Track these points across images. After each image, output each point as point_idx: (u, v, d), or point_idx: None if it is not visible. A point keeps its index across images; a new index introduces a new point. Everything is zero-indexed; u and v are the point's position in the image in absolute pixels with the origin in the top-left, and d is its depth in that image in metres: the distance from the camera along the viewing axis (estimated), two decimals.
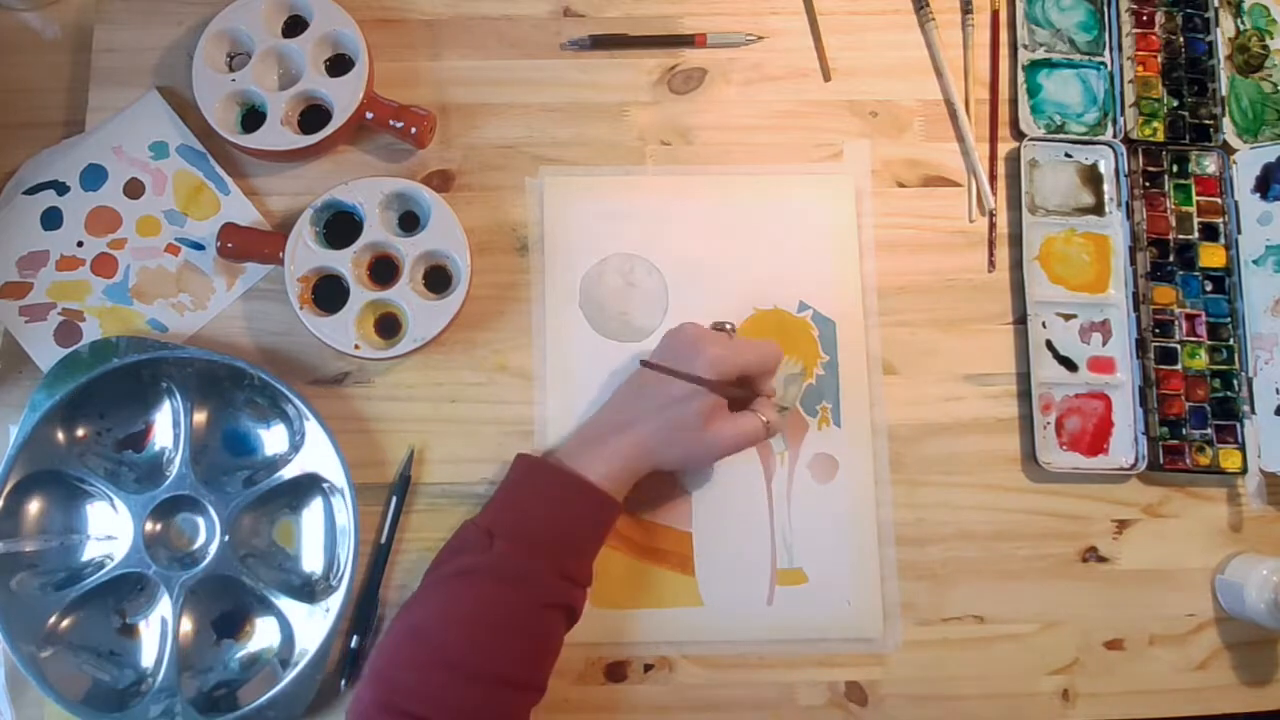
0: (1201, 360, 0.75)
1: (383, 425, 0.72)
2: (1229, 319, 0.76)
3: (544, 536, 0.63)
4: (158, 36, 0.76)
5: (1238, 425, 0.75)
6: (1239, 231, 0.77)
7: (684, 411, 0.64)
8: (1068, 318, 0.76)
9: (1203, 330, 0.76)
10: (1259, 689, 0.73)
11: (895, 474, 0.73)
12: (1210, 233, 0.77)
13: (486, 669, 0.59)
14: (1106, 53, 0.80)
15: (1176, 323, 0.76)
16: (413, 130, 0.73)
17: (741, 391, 0.67)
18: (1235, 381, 0.75)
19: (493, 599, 0.61)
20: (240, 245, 0.71)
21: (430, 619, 0.61)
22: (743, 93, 0.78)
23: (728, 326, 0.70)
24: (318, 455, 0.69)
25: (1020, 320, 0.76)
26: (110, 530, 0.69)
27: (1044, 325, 0.76)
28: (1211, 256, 0.77)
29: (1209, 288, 0.77)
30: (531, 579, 0.62)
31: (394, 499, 0.71)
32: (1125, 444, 0.75)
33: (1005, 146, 0.78)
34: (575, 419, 0.72)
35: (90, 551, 0.69)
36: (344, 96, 0.72)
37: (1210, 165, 0.78)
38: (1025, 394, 0.75)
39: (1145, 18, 0.79)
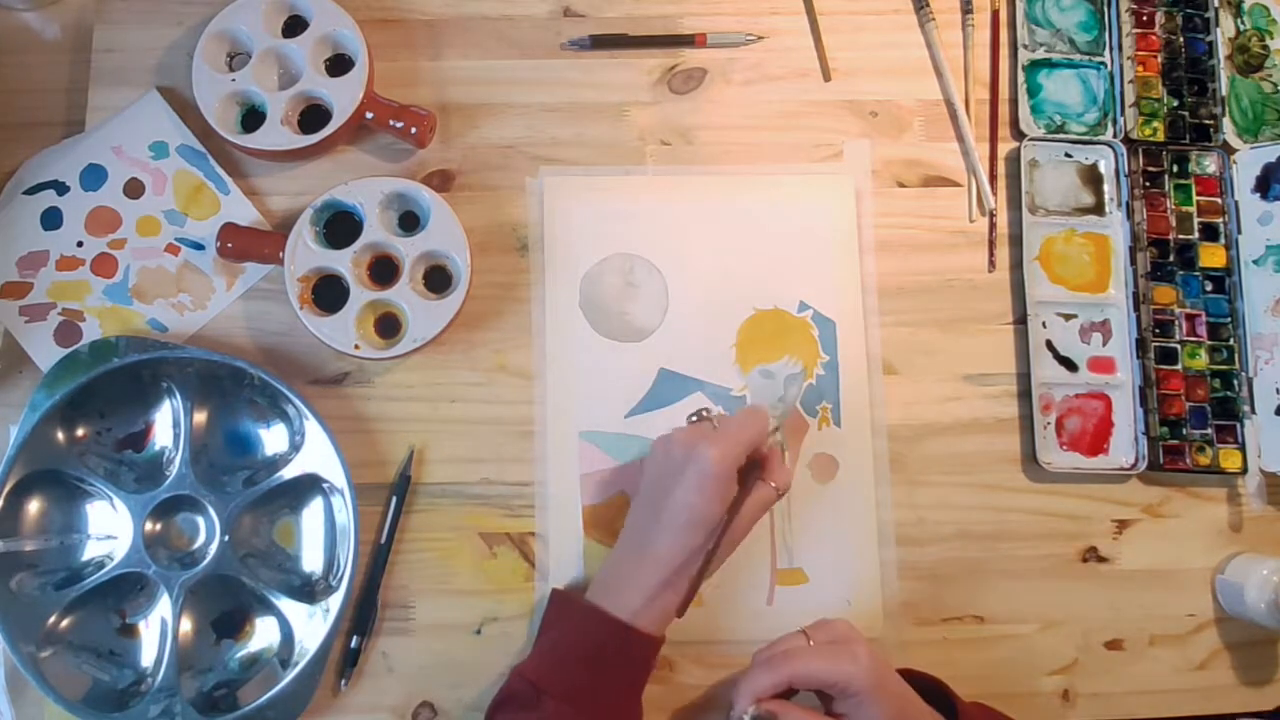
0: (1202, 360, 0.75)
1: (383, 425, 0.72)
2: (1229, 319, 0.76)
3: (593, 691, 0.62)
4: (158, 36, 0.76)
5: (1238, 425, 0.75)
6: (1239, 231, 0.77)
7: (707, 528, 0.62)
8: (1068, 318, 0.76)
9: (1203, 330, 0.76)
10: (1259, 689, 0.73)
11: (895, 474, 0.73)
12: (1210, 233, 0.77)
13: None
14: (1107, 53, 0.80)
15: (1177, 323, 0.76)
16: (413, 130, 0.73)
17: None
18: (1235, 381, 0.75)
19: None
20: (240, 245, 0.71)
21: None
22: (743, 93, 0.78)
23: (705, 414, 0.68)
24: (318, 455, 0.69)
25: (1020, 320, 0.76)
26: (110, 530, 0.69)
27: (1044, 325, 0.76)
28: (1212, 256, 0.77)
29: (1209, 288, 0.77)
30: None
31: (394, 499, 0.71)
32: (1125, 444, 0.75)
33: (1005, 146, 0.79)
34: (575, 419, 0.72)
35: (90, 551, 0.69)
36: (344, 96, 0.72)
37: (1210, 165, 0.78)
38: (1025, 394, 0.75)
39: (1145, 18, 0.79)
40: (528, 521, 0.72)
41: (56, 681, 0.65)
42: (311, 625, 0.67)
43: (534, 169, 0.76)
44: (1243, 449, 0.74)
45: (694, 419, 0.68)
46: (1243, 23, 0.81)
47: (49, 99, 0.76)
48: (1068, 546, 0.74)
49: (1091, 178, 0.78)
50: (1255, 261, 0.76)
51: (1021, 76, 0.79)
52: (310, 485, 0.70)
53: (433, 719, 0.69)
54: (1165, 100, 0.79)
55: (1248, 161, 0.77)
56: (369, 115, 0.73)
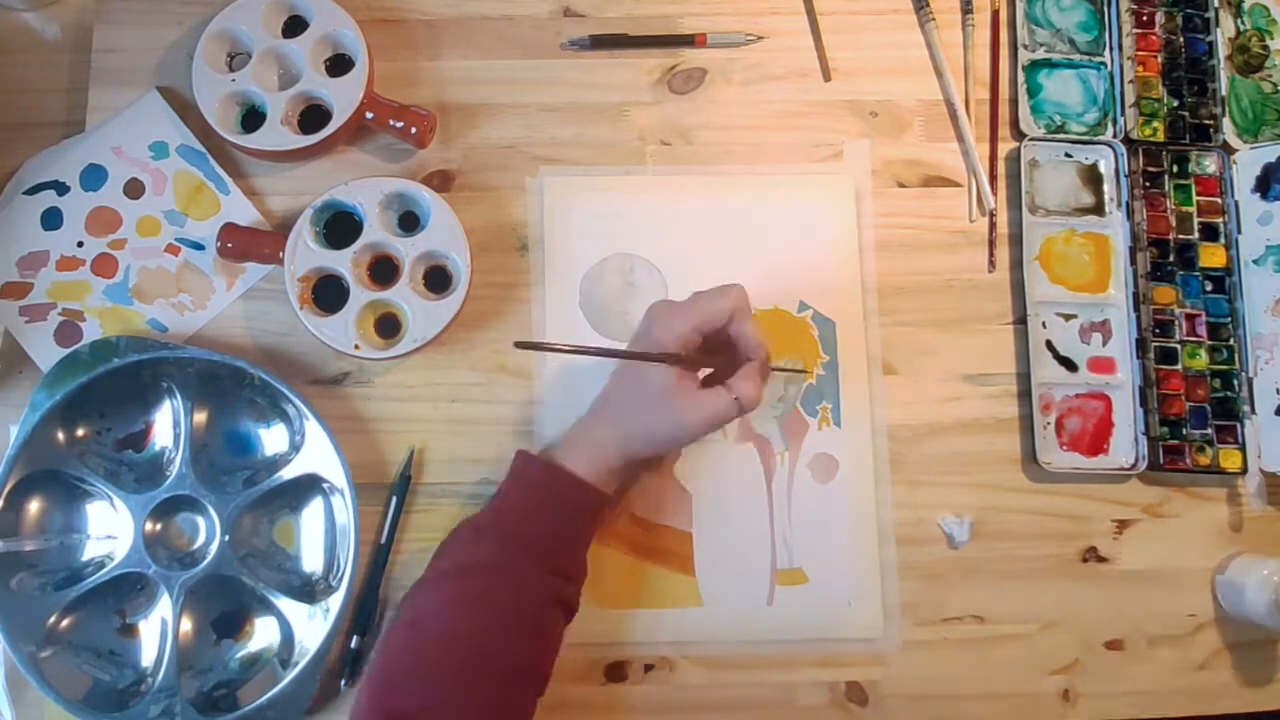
0: (1202, 360, 0.75)
1: (383, 425, 0.72)
2: (1229, 319, 0.76)
3: (532, 534, 0.64)
4: (158, 36, 0.76)
5: (1238, 425, 0.75)
6: (1239, 231, 0.77)
7: (645, 391, 0.64)
8: (1068, 318, 0.76)
9: (1203, 330, 0.76)
10: (1259, 689, 0.73)
11: (895, 474, 0.73)
12: (1210, 233, 0.77)
13: (486, 665, 0.59)
14: (1107, 53, 0.80)
15: (1176, 323, 0.76)
16: (413, 130, 0.73)
17: (717, 360, 0.66)
18: (1235, 381, 0.75)
19: (488, 596, 0.61)
20: (240, 245, 0.71)
21: (428, 616, 0.62)
22: (743, 93, 0.78)
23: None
24: (318, 455, 0.69)
25: (1020, 320, 0.76)
26: (110, 530, 0.69)
27: (1044, 325, 0.76)
28: (1212, 256, 0.77)
29: (1209, 288, 0.77)
30: (522, 576, 0.62)
31: (394, 499, 0.71)
32: (1125, 444, 0.75)
33: (1005, 146, 0.78)
34: (575, 419, 0.72)
35: (90, 551, 0.69)
36: (344, 96, 0.72)
37: (1210, 165, 0.78)
38: (1025, 394, 0.75)
39: (1145, 18, 0.79)
40: None
41: (57, 681, 0.65)
42: (311, 625, 0.67)
43: (534, 169, 0.76)
44: (1243, 449, 0.74)
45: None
46: (1243, 23, 0.81)
47: (49, 99, 0.76)
48: (1068, 546, 0.74)
49: (1091, 178, 0.78)
50: (1255, 261, 0.76)
51: (1021, 76, 0.79)
52: (310, 485, 0.70)
53: None
54: (1165, 100, 0.78)
55: (1248, 161, 0.77)
56: (369, 115, 0.73)
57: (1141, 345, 0.75)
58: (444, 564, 0.64)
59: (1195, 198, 0.77)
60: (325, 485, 0.70)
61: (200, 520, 0.70)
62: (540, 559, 0.63)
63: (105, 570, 0.67)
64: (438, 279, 0.73)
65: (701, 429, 0.64)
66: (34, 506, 0.69)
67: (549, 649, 0.63)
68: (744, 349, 0.65)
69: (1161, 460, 0.74)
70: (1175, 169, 0.78)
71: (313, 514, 0.71)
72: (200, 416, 0.70)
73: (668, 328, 0.63)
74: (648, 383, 0.64)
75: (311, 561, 0.71)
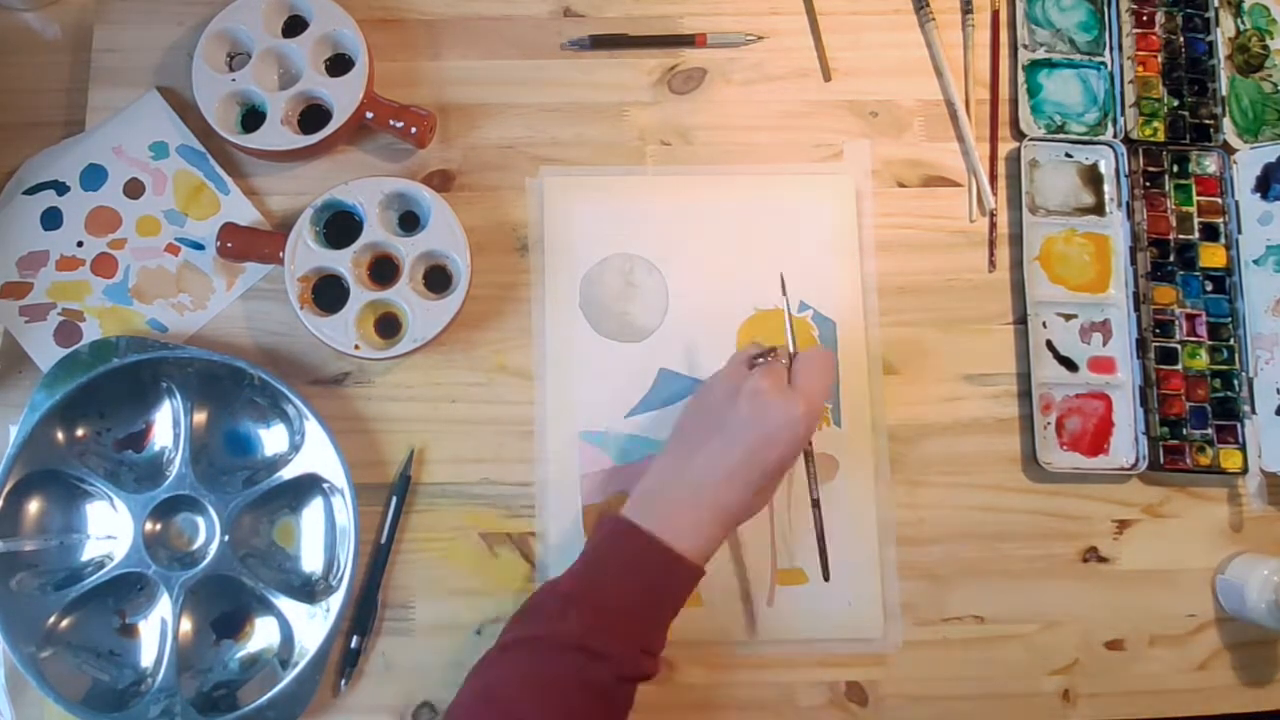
0: (1202, 360, 0.75)
1: (383, 425, 0.72)
2: (1229, 319, 0.76)
3: (627, 612, 0.60)
4: (157, 36, 0.76)
5: (1238, 425, 0.75)
6: (1239, 231, 0.77)
7: (766, 471, 0.62)
8: (1068, 318, 0.76)
9: (1203, 330, 0.76)
10: (1260, 689, 0.73)
11: (896, 474, 0.73)
12: (1211, 233, 0.77)
13: None
14: (1107, 53, 0.80)
15: (1177, 323, 0.76)
16: (413, 130, 0.73)
17: None
18: (1236, 381, 0.75)
19: (568, 670, 0.58)
20: (240, 245, 0.71)
21: (503, 684, 0.59)
22: (743, 93, 0.78)
23: (773, 354, 0.66)
24: (318, 455, 0.69)
25: (1020, 320, 0.76)
26: (110, 530, 0.69)
27: (1044, 325, 0.76)
28: (1212, 256, 0.77)
29: (1209, 288, 0.77)
30: (609, 654, 0.58)
31: (394, 499, 0.71)
32: (1126, 444, 0.75)
33: (1006, 146, 0.78)
34: (575, 419, 0.72)
35: (90, 551, 0.69)
36: (344, 96, 0.72)
37: (1210, 165, 0.78)
38: (1025, 394, 0.75)
39: (1145, 18, 0.79)
40: (528, 521, 0.72)
41: (56, 681, 0.65)
42: (311, 625, 0.67)
43: (534, 169, 0.76)
44: (1243, 449, 0.74)
45: (761, 361, 0.66)
46: (1243, 23, 0.81)
47: (49, 99, 0.76)
48: (1068, 546, 0.74)
49: (1092, 178, 0.78)
50: (1255, 261, 0.76)
51: (1022, 76, 0.79)
52: (310, 485, 0.70)
53: (433, 719, 0.69)
54: (1165, 100, 0.78)
55: (1248, 161, 0.77)
56: (369, 115, 0.73)
57: (1142, 345, 0.75)
58: (525, 631, 0.60)
59: (1195, 198, 0.77)
60: (325, 485, 0.70)
61: (200, 520, 0.70)
62: (632, 640, 0.60)
63: (105, 570, 0.67)
64: (438, 279, 0.73)
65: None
66: (34, 506, 0.69)
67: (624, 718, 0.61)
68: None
69: (1162, 460, 0.74)
70: (1175, 169, 0.78)
71: (313, 514, 0.71)
72: (200, 416, 0.70)
73: (810, 417, 0.62)
74: (781, 471, 0.64)
75: (311, 561, 0.70)
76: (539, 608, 0.61)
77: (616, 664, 0.58)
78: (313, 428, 0.68)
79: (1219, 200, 0.77)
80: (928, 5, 0.79)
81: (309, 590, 0.69)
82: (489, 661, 0.60)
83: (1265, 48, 0.80)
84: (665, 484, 0.64)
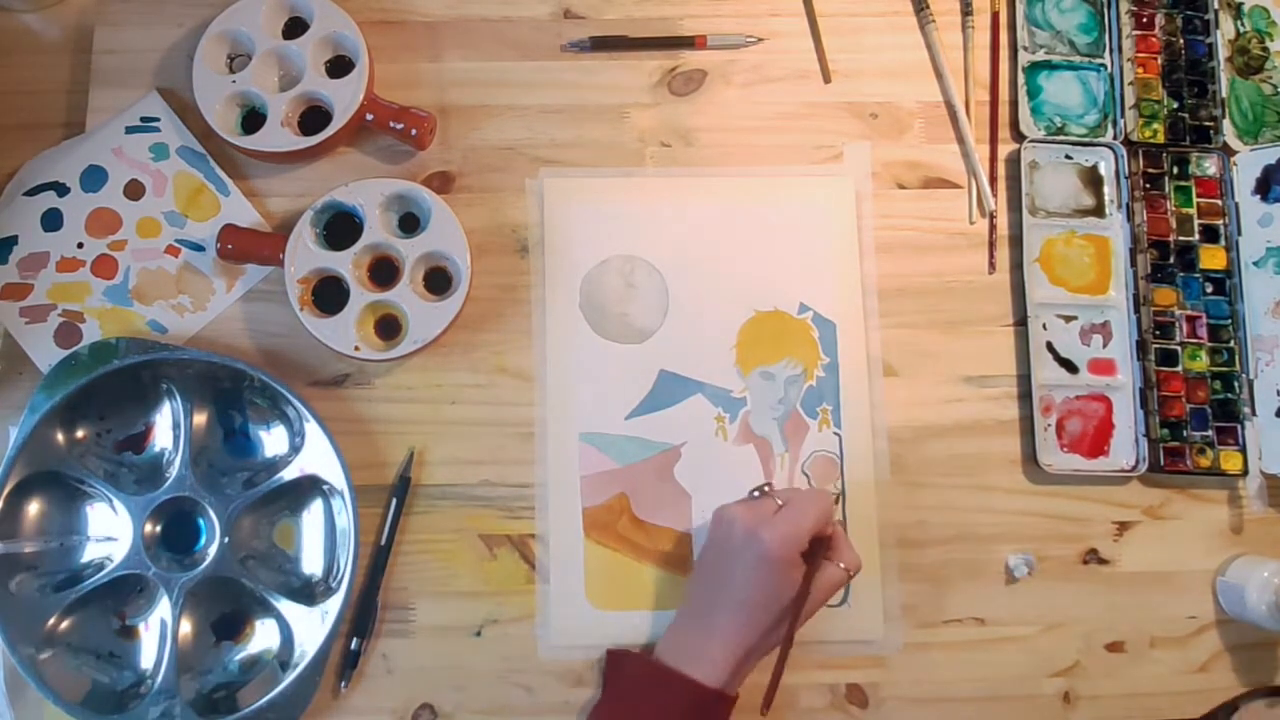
0: (1202, 362, 0.75)
1: (383, 427, 0.72)
2: (1229, 321, 0.76)
3: None
4: (158, 38, 0.76)
5: (1238, 427, 0.75)
6: (1239, 233, 0.77)
7: (764, 603, 0.63)
8: (1068, 319, 0.76)
9: (1203, 332, 0.76)
10: None
11: (896, 476, 0.73)
12: (1211, 234, 0.77)
13: None
14: (1107, 54, 0.80)
15: (1177, 324, 0.76)
16: (413, 132, 0.73)
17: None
18: (1236, 383, 0.75)
19: None
20: (240, 247, 0.71)
21: None
22: (743, 94, 0.78)
23: (768, 489, 0.68)
24: (318, 457, 0.69)
25: (1021, 322, 0.76)
26: (110, 532, 0.69)
27: (1044, 327, 0.76)
28: (1212, 258, 0.77)
29: (1209, 289, 0.77)
30: None
31: (394, 501, 0.71)
32: (1126, 446, 0.75)
33: (1005, 148, 0.78)
34: (575, 421, 0.72)
35: (90, 553, 0.69)
36: (344, 98, 0.72)
37: (1210, 167, 0.78)
38: (1026, 396, 0.75)
39: (1145, 20, 0.80)
40: (528, 523, 0.72)
41: (56, 683, 0.64)
42: (311, 627, 0.67)
43: (534, 170, 0.76)
44: (1243, 451, 0.74)
45: (756, 494, 0.68)
46: (1242, 25, 0.81)
47: (49, 100, 0.76)
48: (1068, 548, 0.74)
49: (1092, 179, 0.78)
50: (1255, 263, 0.76)
51: (1022, 78, 0.79)
52: (310, 487, 0.70)
53: None
54: (1165, 102, 0.79)
55: (1248, 163, 0.77)
56: (369, 117, 0.73)
57: (1142, 347, 0.75)
58: None
59: (1195, 199, 0.77)
60: (325, 487, 0.70)
61: (200, 522, 0.70)
62: None
63: (105, 572, 0.67)
64: (438, 280, 0.73)
65: (823, 603, 0.65)
66: (33, 508, 0.68)
67: None
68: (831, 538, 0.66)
69: (1162, 462, 0.74)
70: (1175, 171, 0.78)
71: (312, 516, 0.71)
72: (200, 418, 0.70)
73: (786, 541, 0.62)
74: (769, 598, 0.63)
75: (311, 563, 0.70)
76: None
77: None
78: (313, 429, 0.68)
79: (1219, 202, 0.77)
80: (928, 7, 0.79)
81: (309, 592, 0.69)
82: None
83: (1265, 49, 0.80)
84: (678, 631, 0.66)
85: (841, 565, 0.65)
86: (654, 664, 0.65)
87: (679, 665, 0.63)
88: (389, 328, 0.72)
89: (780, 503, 0.66)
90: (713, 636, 0.63)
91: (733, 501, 0.68)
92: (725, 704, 0.63)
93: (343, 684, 0.69)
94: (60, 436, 0.68)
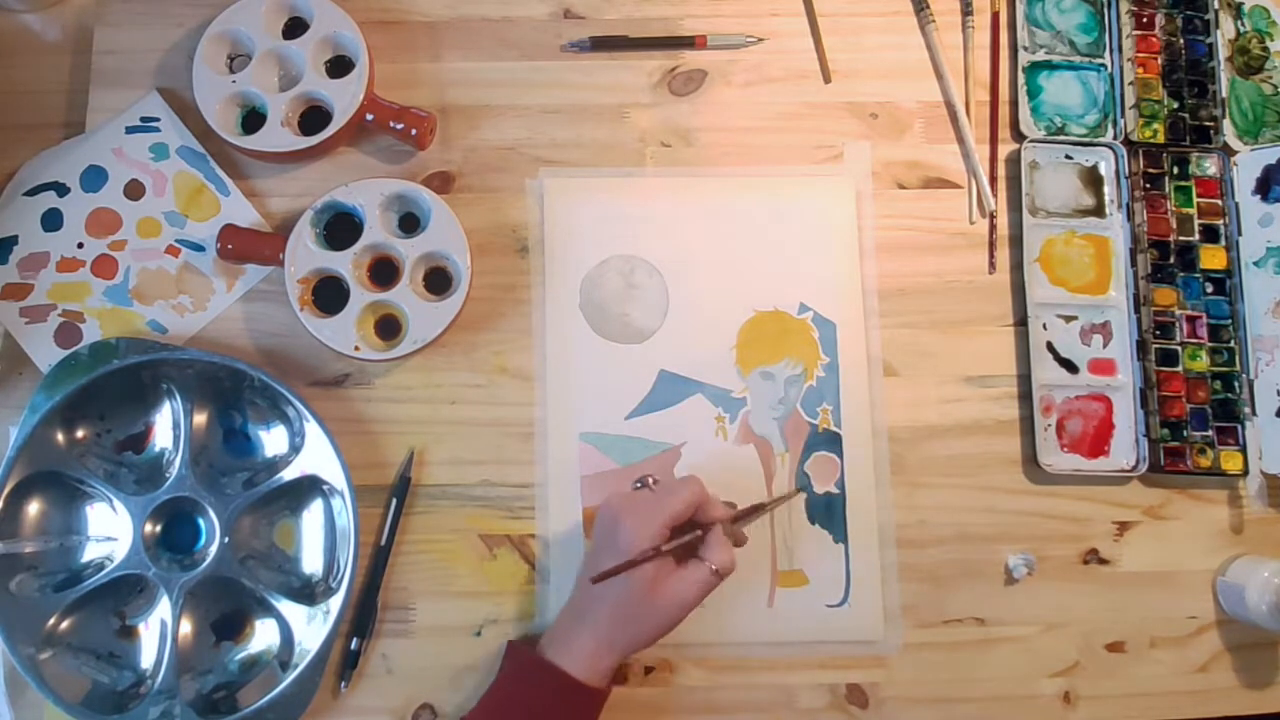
0: (1202, 362, 0.75)
1: (383, 427, 0.72)
2: (1230, 321, 0.76)
3: None
4: (158, 38, 0.76)
5: (1239, 427, 0.75)
6: (1239, 233, 0.77)
7: (626, 594, 0.62)
8: (1068, 319, 0.76)
9: (1203, 332, 0.76)
10: (1260, 691, 0.73)
11: (896, 476, 0.73)
12: (1211, 234, 0.77)
13: None
14: (1107, 55, 0.80)
15: (1177, 324, 0.76)
16: (413, 132, 0.73)
17: (686, 537, 0.63)
18: (1236, 383, 0.75)
19: None
20: (240, 247, 0.71)
21: None
22: (743, 94, 0.78)
23: (650, 481, 0.67)
24: (318, 457, 0.69)
25: (1021, 322, 0.76)
26: (110, 532, 0.69)
27: (1045, 327, 0.76)
28: (1212, 258, 0.77)
29: (1210, 289, 0.77)
30: None
31: (394, 501, 0.71)
32: (1126, 446, 0.75)
33: (1006, 148, 0.78)
34: (575, 421, 0.72)
35: (90, 553, 0.69)
36: (344, 98, 0.72)
37: (1211, 167, 0.78)
38: (1026, 396, 0.75)
39: (1145, 20, 0.79)
40: (528, 523, 0.72)
41: (56, 683, 0.64)
42: (311, 627, 0.67)
43: (534, 170, 0.76)
44: (1243, 451, 0.74)
45: (638, 485, 0.68)
46: (1243, 25, 0.81)
47: (49, 100, 0.76)
48: (1069, 548, 0.74)
49: (1092, 179, 0.78)
50: (1256, 263, 0.76)
51: (1022, 78, 0.79)
52: (310, 487, 0.70)
53: None
54: (1165, 102, 0.78)
55: (1248, 163, 0.77)
56: (369, 117, 0.73)
57: (1142, 347, 0.75)
58: None
59: (1196, 199, 0.77)
60: (325, 487, 0.70)
61: (200, 522, 0.70)
62: None
63: (105, 572, 0.67)
64: (438, 280, 0.73)
65: (691, 607, 0.63)
66: (34, 508, 0.69)
67: None
68: (707, 518, 0.64)
69: (1162, 462, 0.74)
70: (1175, 171, 0.78)
71: (312, 516, 0.71)
72: (200, 418, 0.70)
73: (639, 534, 0.62)
74: (631, 588, 0.62)
75: (311, 563, 0.70)
76: None
77: None
78: (313, 429, 0.68)
79: (1219, 202, 0.77)
80: (928, 7, 0.79)
81: (309, 592, 0.69)
82: None
83: (1265, 49, 0.80)
84: (561, 614, 0.67)
85: (710, 565, 0.63)
86: (532, 655, 0.65)
87: (554, 657, 0.63)
88: (389, 328, 0.72)
89: (655, 491, 0.65)
90: (584, 629, 0.64)
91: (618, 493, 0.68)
92: (591, 696, 0.63)
93: (343, 684, 0.69)
94: (60, 436, 0.68)
